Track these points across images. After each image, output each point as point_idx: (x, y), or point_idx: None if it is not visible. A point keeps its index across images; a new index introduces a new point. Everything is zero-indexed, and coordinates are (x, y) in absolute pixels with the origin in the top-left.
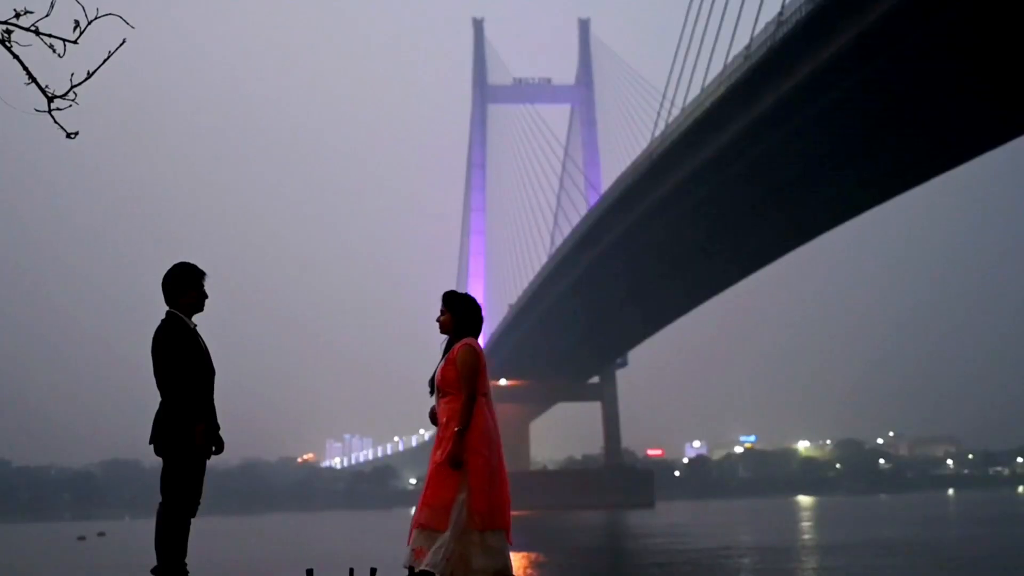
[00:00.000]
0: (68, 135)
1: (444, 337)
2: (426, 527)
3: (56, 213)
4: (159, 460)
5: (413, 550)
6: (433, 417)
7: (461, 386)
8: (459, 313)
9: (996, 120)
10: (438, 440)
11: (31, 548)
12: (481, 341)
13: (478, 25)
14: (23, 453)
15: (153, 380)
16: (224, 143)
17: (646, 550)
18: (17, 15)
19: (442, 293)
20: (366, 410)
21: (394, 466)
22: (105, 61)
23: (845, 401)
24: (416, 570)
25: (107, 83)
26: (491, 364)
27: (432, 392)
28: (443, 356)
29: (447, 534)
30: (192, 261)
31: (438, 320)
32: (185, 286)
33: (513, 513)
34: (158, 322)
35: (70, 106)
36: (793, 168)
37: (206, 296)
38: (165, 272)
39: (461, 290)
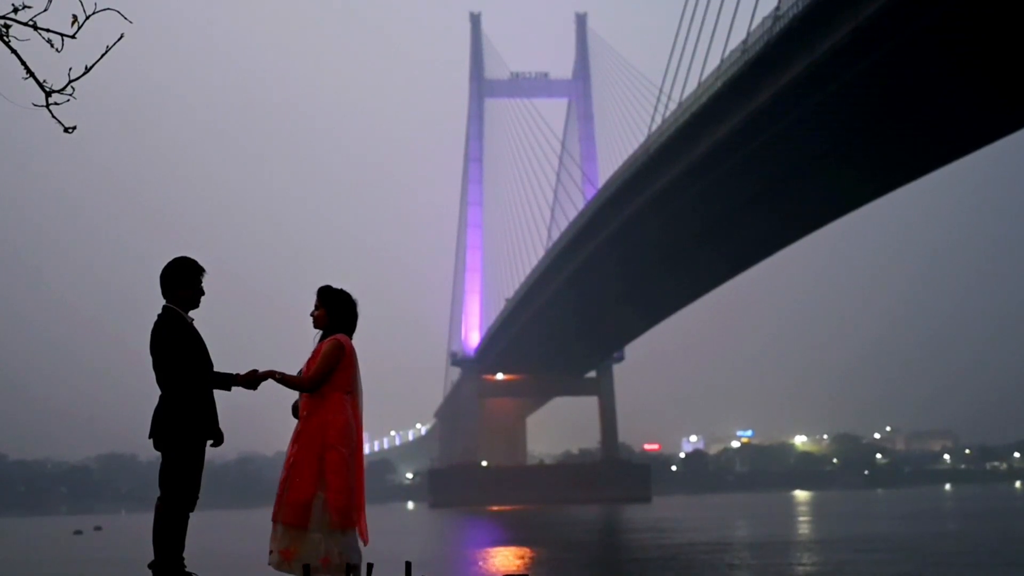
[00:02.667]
0: (66, 129)
1: (318, 332)
2: (290, 525)
3: (55, 206)
4: (155, 454)
5: (280, 551)
6: (295, 411)
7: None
8: (333, 309)
9: (994, 114)
10: (295, 434)
11: (28, 542)
12: (476, 336)
13: (475, 19)
14: (19, 447)
15: (150, 374)
16: (222, 135)
17: (632, 545)
18: (15, 9)
19: (317, 288)
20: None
21: (391, 460)
22: (103, 56)
23: (842, 396)
24: (289, 571)
25: (105, 77)
26: (488, 359)
27: None
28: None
29: (315, 534)
30: (190, 254)
31: (312, 315)
32: (183, 281)
33: (510, 508)
34: (156, 315)
35: (68, 101)
36: (790, 162)
37: (203, 293)
38: (164, 265)
39: (458, 283)
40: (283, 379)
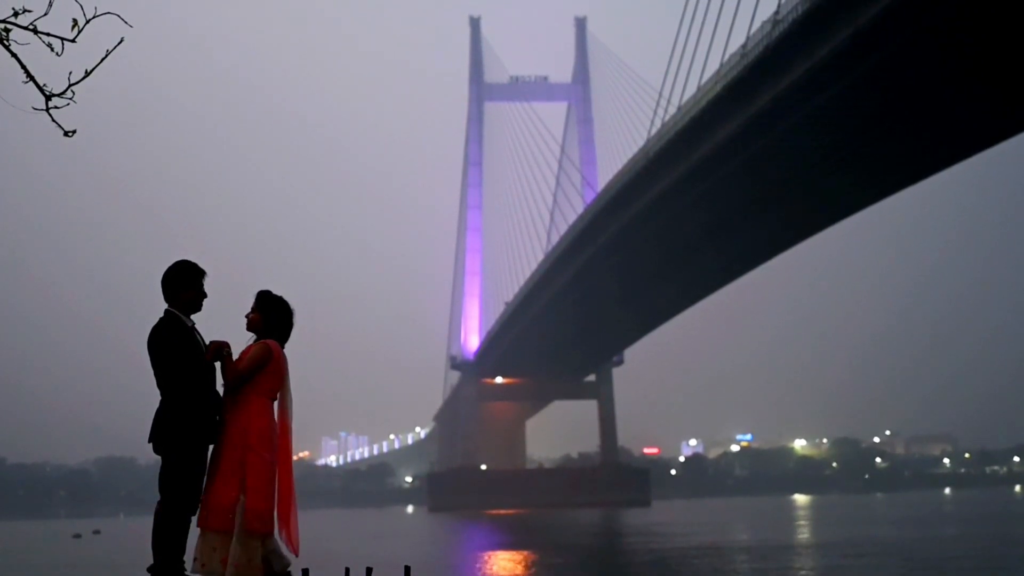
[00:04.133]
0: (66, 133)
1: (251, 335)
2: (220, 531)
3: (55, 208)
4: (155, 457)
5: (221, 560)
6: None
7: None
8: (269, 314)
9: (995, 117)
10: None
11: (28, 545)
12: (475, 340)
13: (475, 23)
14: (19, 450)
15: (150, 377)
16: (222, 139)
17: (628, 549)
18: (16, 14)
19: (257, 291)
20: (362, 408)
21: (390, 464)
22: (103, 60)
23: (841, 400)
24: None
25: (105, 81)
26: (487, 363)
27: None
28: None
29: (235, 538)
30: (189, 257)
31: (247, 316)
32: (185, 283)
33: (509, 511)
34: (156, 319)
35: (68, 104)
36: (790, 166)
37: (205, 295)
38: (166, 269)
39: (458, 286)
40: (227, 357)
